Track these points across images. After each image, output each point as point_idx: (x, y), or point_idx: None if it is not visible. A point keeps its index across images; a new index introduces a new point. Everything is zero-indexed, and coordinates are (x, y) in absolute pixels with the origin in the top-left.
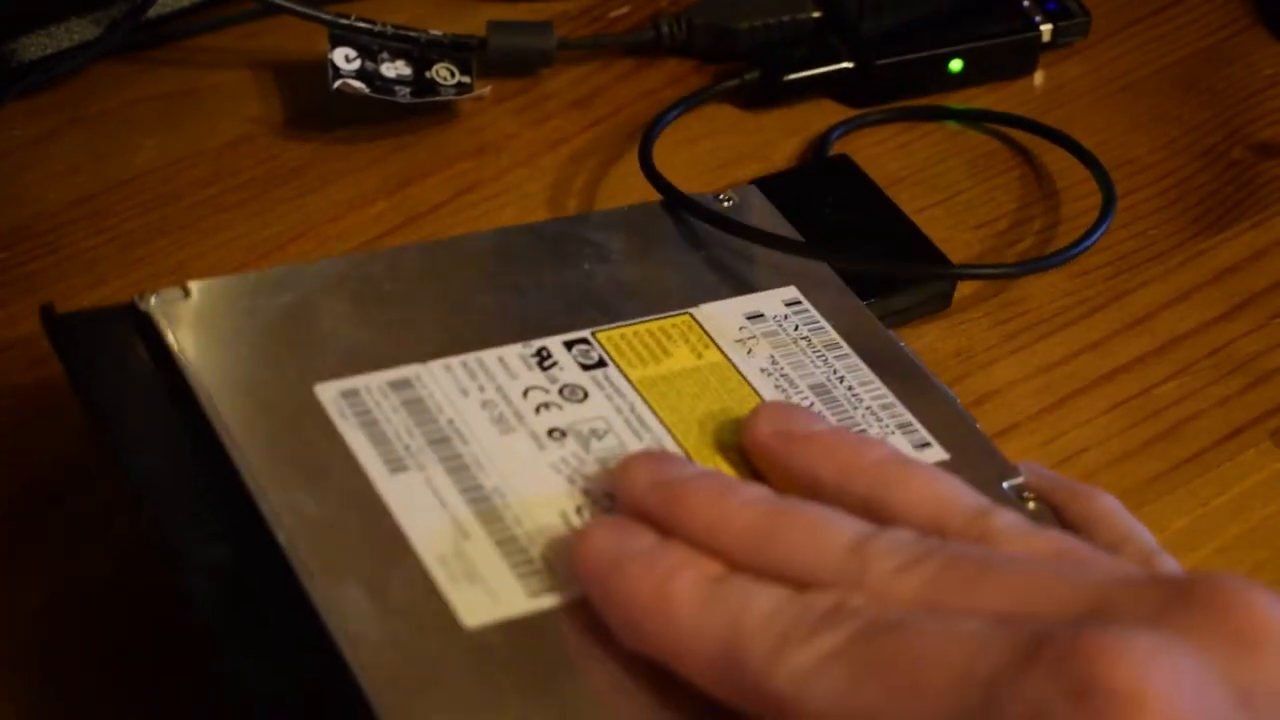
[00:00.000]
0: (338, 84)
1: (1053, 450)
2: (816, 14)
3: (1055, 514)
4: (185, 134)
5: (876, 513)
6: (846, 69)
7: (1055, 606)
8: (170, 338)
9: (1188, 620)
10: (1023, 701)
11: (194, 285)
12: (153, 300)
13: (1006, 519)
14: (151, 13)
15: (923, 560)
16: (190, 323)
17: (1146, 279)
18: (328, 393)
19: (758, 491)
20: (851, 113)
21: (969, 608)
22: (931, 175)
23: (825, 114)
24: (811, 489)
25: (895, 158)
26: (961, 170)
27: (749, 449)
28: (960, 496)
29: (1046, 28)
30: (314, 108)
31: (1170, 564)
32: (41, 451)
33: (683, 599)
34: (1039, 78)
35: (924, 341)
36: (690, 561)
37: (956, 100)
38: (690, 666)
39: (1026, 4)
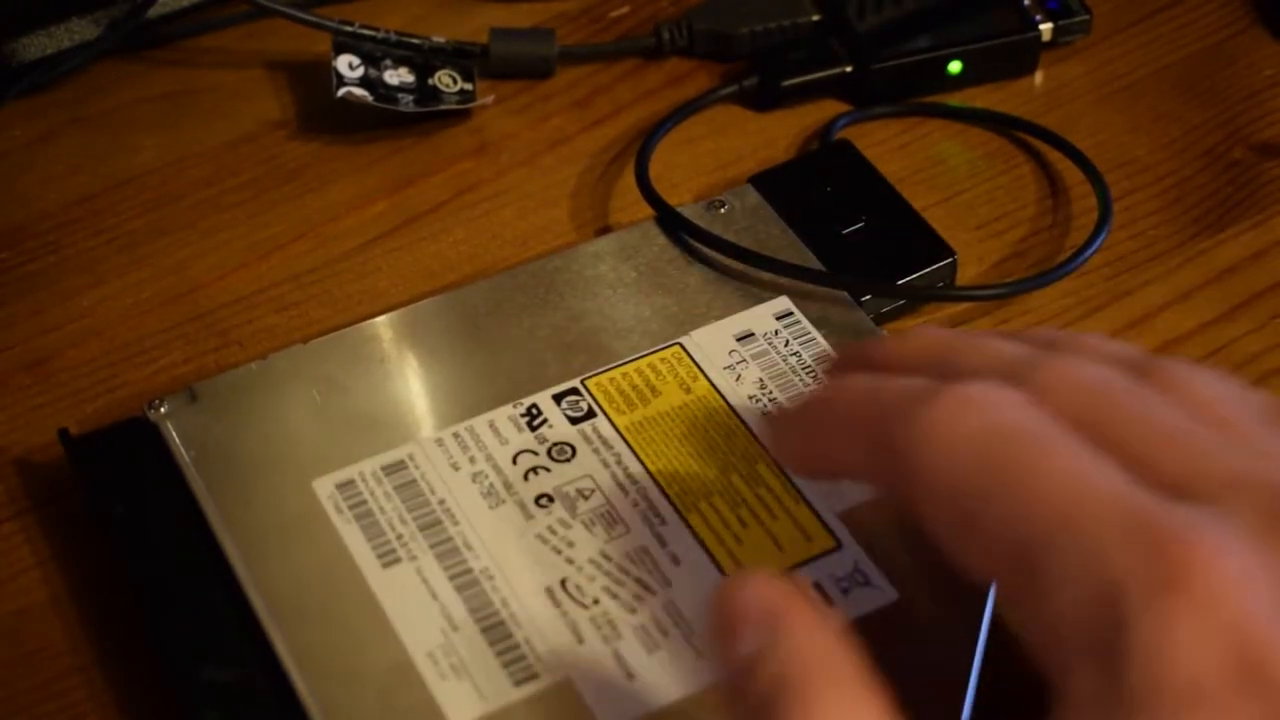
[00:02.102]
0: (342, 93)
1: None
2: (816, 17)
3: None
4: (185, 134)
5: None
6: (845, 72)
7: (1197, 470)
8: (179, 449)
9: None
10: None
11: (199, 387)
12: (162, 409)
13: (1178, 368)
14: (151, 13)
15: (1096, 386)
16: (198, 428)
17: (1146, 279)
18: (324, 487)
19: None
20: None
21: (1118, 439)
22: (931, 175)
23: (828, 113)
24: None
25: (895, 157)
26: (961, 170)
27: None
28: (1123, 349)
29: (1047, 26)
30: (314, 108)
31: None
32: (41, 451)
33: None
34: (1039, 77)
35: None
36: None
37: (958, 100)
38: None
39: (1027, 3)
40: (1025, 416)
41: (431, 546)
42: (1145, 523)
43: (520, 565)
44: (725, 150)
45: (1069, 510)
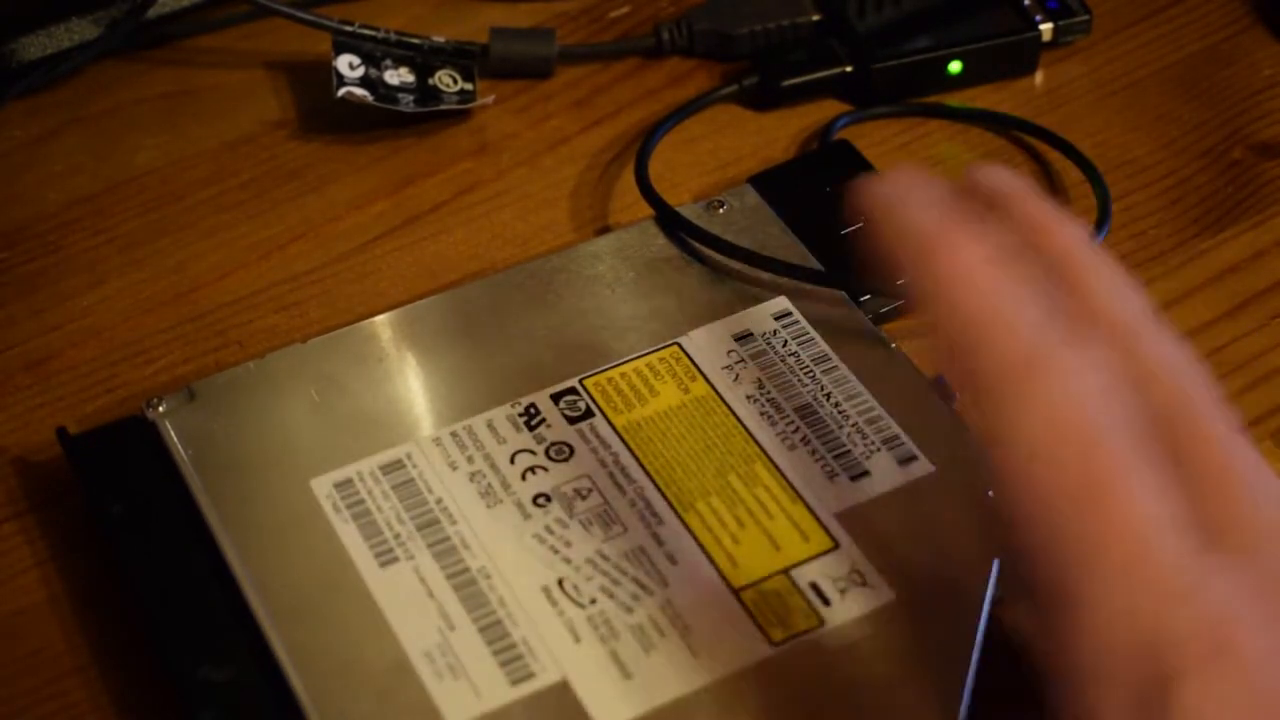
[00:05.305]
0: (342, 92)
1: None
2: (816, 17)
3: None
4: (185, 134)
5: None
6: (845, 72)
7: (1240, 518)
8: (177, 447)
9: None
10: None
11: (198, 386)
12: (160, 408)
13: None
14: (151, 13)
15: (1185, 391)
16: (196, 427)
17: (1146, 279)
18: (322, 487)
19: None
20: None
21: (1187, 467)
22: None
23: (828, 113)
24: None
25: (895, 158)
26: (962, 170)
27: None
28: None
29: (1047, 26)
30: (314, 108)
31: (1163, 342)
32: (41, 451)
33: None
34: (1040, 77)
35: (924, 340)
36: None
37: (958, 100)
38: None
39: (1027, 3)
40: (1122, 425)
41: (429, 546)
42: (1195, 594)
43: (517, 565)
44: (725, 150)
45: (1129, 561)
